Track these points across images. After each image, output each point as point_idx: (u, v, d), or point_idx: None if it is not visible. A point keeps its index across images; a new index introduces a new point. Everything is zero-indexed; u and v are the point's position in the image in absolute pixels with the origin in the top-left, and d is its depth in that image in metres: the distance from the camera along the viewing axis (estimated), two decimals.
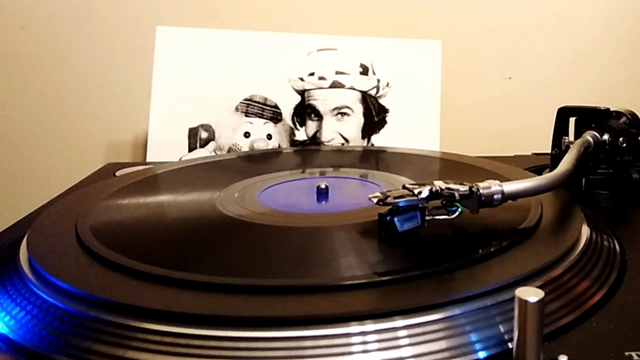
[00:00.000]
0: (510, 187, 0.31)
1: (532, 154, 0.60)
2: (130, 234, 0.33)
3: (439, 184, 0.29)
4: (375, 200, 0.29)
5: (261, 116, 0.64)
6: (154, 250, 0.30)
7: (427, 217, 0.30)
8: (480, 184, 0.30)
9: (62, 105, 0.71)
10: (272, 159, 0.56)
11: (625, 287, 0.27)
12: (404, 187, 0.29)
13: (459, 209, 0.30)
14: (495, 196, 0.30)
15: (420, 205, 0.29)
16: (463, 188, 0.29)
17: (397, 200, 0.28)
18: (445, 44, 0.68)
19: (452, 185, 0.29)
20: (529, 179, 0.32)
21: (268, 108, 0.64)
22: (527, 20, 0.77)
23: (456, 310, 0.22)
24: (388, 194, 0.29)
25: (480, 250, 0.27)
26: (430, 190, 0.28)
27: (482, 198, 0.30)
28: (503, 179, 0.32)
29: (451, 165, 0.50)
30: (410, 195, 0.28)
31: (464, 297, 0.23)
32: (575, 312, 0.25)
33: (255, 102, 0.64)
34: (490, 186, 0.30)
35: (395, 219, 0.29)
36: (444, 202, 0.30)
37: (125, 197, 0.40)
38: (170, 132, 0.63)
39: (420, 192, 0.28)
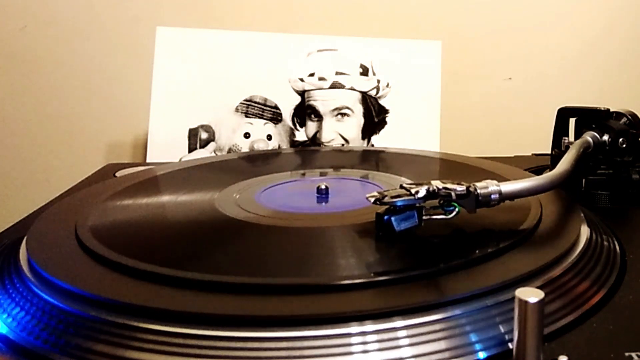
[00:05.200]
0: (507, 187, 0.31)
1: (532, 154, 0.60)
2: (130, 234, 0.33)
3: (436, 184, 0.29)
4: (372, 199, 0.29)
5: (261, 117, 0.64)
6: (154, 250, 0.30)
7: (424, 217, 0.30)
8: (478, 184, 0.30)
9: (62, 105, 0.71)
10: (272, 159, 0.56)
11: (626, 287, 0.27)
12: (401, 186, 0.29)
13: (456, 209, 0.30)
14: (492, 196, 0.30)
15: (417, 205, 0.29)
16: (460, 188, 0.29)
17: (394, 200, 0.28)
18: (445, 45, 0.68)
19: (449, 185, 0.29)
20: (526, 179, 0.32)
21: (268, 109, 0.64)
22: (527, 21, 0.77)
23: (456, 311, 0.22)
24: (385, 193, 0.29)
25: (480, 251, 0.27)
26: (427, 190, 0.28)
27: (480, 198, 0.30)
28: (502, 179, 0.32)
29: (451, 166, 0.50)
30: (407, 195, 0.28)
31: (464, 297, 0.23)
32: (575, 312, 0.24)
33: (255, 102, 0.64)
34: (488, 186, 0.30)
35: (393, 219, 0.29)
36: (441, 202, 0.30)
37: (125, 197, 0.40)
38: (170, 132, 0.63)
39: (417, 192, 0.28)
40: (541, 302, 0.19)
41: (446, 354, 0.21)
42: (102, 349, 0.22)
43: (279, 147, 0.64)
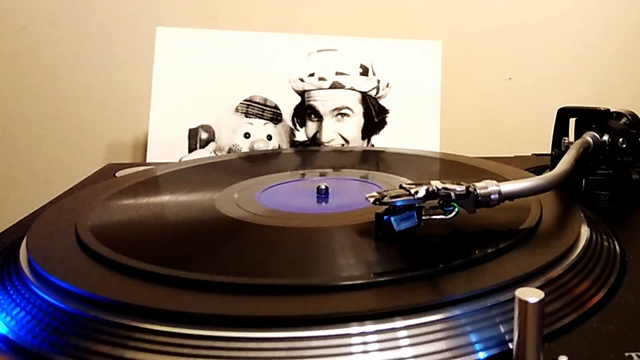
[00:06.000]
0: (507, 187, 0.31)
1: (532, 154, 0.60)
2: (130, 234, 0.33)
3: (436, 184, 0.29)
4: (372, 199, 0.29)
5: (261, 117, 0.64)
6: (154, 250, 0.30)
7: (423, 217, 0.30)
8: (477, 184, 0.30)
9: (62, 105, 0.71)
10: (272, 159, 0.56)
11: (626, 287, 0.27)
12: (400, 186, 0.29)
13: (456, 209, 0.30)
14: (492, 196, 0.30)
15: (416, 205, 0.29)
16: (460, 188, 0.29)
17: (393, 200, 0.28)
18: (445, 45, 0.68)
19: (448, 185, 0.29)
20: (526, 179, 0.32)
21: (268, 109, 0.64)
22: (527, 20, 0.77)
23: (456, 311, 0.22)
24: (385, 193, 0.29)
25: (479, 251, 0.27)
26: (427, 190, 0.28)
27: (479, 198, 0.30)
28: (502, 179, 0.32)
29: (451, 166, 0.50)
30: (406, 195, 0.28)
31: (464, 298, 0.23)
32: (575, 312, 0.25)
33: (255, 102, 0.64)
34: (487, 186, 0.30)
35: (392, 219, 0.29)
36: (440, 202, 0.30)
37: (125, 197, 0.40)
38: (170, 132, 0.63)
39: (416, 192, 0.28)
40: (541, 302, 0.19)
41: (446, 354, 0.21)
42: (101, 349, 0.22)
43: (279, 147, 0.64)
